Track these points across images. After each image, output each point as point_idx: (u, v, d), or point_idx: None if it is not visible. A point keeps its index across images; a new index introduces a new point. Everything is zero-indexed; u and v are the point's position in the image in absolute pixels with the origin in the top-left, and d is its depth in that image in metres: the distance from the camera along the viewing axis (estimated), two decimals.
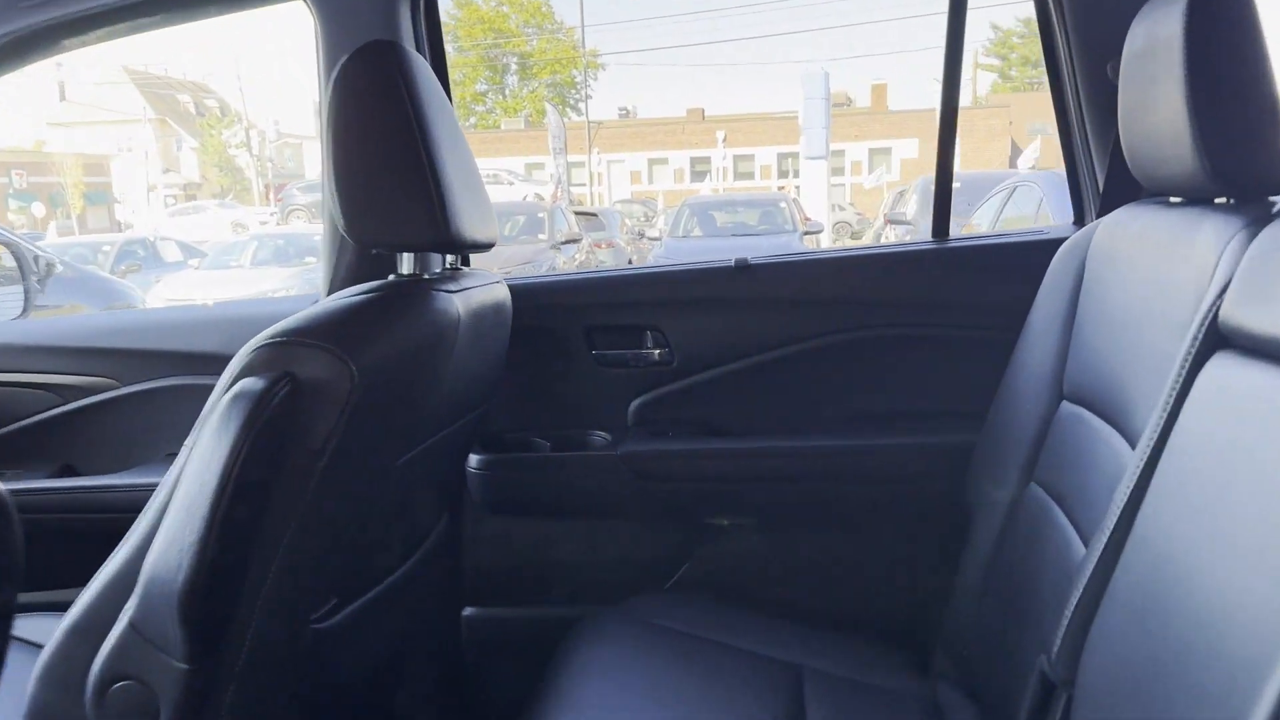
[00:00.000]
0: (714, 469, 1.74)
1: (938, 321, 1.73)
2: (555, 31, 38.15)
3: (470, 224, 1.25)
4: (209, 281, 10.68)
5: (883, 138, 29.39)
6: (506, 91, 39.07)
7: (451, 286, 1.30)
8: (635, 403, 1.81)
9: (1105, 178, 1.58)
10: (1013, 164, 22.79)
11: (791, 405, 1.78)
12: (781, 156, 29.59)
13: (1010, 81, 37.79)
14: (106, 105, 37.67)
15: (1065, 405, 1.30)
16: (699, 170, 30.83)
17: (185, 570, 0.93)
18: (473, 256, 1.72)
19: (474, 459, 1.76)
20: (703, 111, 33.89)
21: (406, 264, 1.32)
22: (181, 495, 0.97)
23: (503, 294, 1.53)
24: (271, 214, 23.62)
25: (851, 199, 25.80)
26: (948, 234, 1.79)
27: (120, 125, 35.92)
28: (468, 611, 1.86)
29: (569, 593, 1.86)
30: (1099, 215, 1.53)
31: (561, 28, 38.23)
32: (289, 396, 0.98)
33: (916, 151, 28.49)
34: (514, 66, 38.62)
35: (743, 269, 1.75)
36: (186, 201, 31.61)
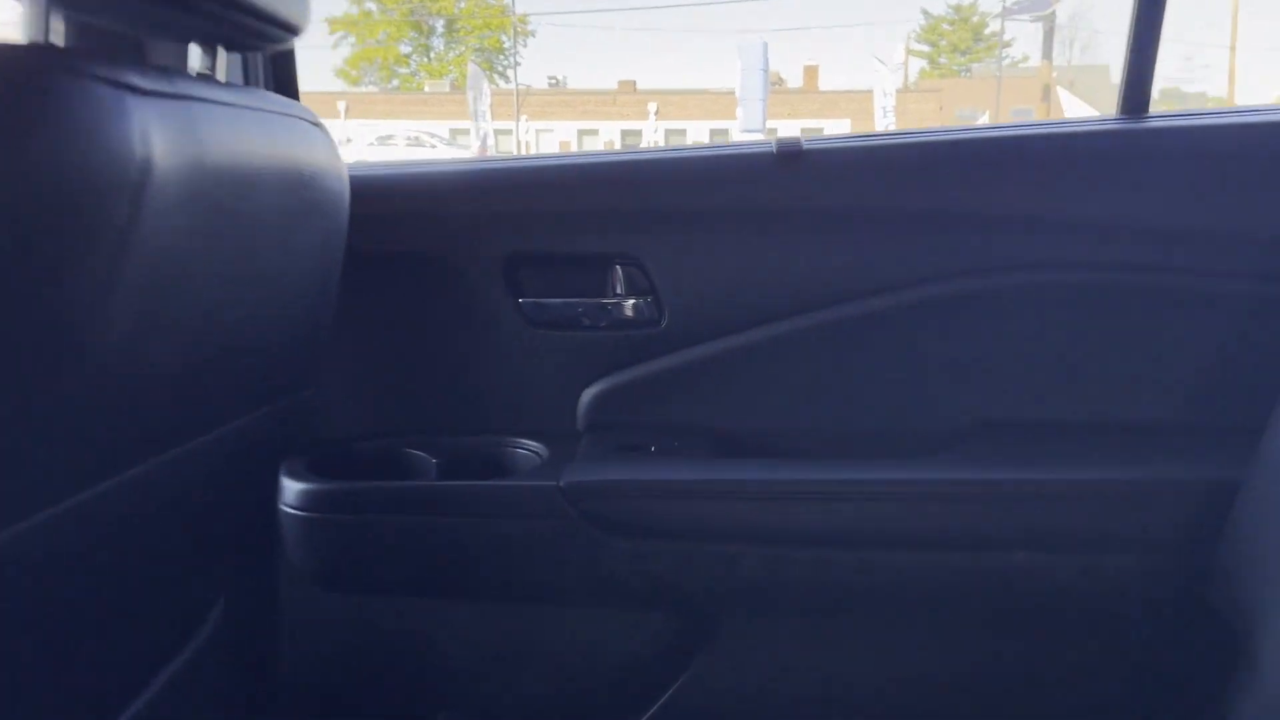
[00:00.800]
0: (731, 516, 1.01)
1: (1140, 260, 1.00)
2: None
3: None
4: None
5: (815, 117, 29.52)
6: (431, 54, 38.03)
7: (142, 83, 0.54)
8: (592, 391, 1.09)
9: None
10: None
11: (874, 404, 1.04)
12: (715, 132, 29.64)
13: (939, 68, 38.05)
14: None
15: None
16: (630, 144, 30.61)
17: None
18: None
19: (291, 490, 0.99)
20: (634, 83, 33.75)
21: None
22: None
23: (324, 153, 0.75)
24: None
25: None
26: (1146, 108, 1.05)
27: None
28: None
29: None
30: None
31: None
32: None
33: (849, 132, 28.66)
34: (440, 28, 37.63)
35: (790, 156, 1.02)
36: None
